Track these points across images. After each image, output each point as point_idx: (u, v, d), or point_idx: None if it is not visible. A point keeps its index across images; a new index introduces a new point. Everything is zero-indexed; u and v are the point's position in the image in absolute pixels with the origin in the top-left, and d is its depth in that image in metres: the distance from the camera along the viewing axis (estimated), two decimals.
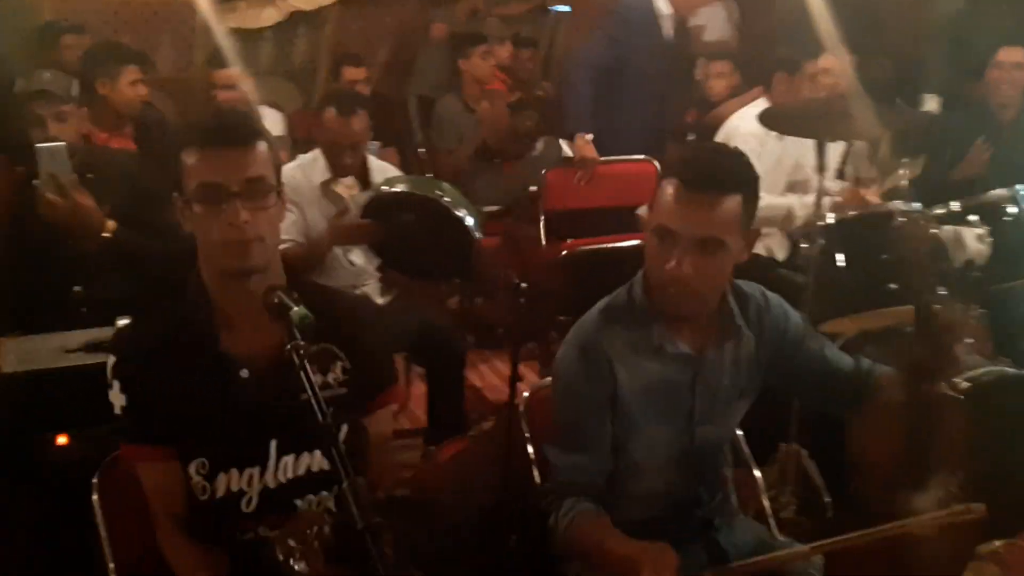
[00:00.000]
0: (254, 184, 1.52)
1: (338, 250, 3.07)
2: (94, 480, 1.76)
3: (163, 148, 3.35)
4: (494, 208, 4.11)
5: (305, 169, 3.07)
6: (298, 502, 1.64)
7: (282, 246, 3.01)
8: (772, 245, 3.63)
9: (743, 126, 3.36)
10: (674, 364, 1.77)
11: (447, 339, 3.17)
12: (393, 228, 2.79)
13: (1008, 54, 3.80)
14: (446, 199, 2.64)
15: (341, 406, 1.65)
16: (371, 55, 5.55)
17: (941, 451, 1.69)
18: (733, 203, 1.64)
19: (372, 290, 3.23)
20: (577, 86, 4.24)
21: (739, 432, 2.23)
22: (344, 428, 1.66)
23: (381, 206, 2.79)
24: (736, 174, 1.67)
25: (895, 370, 1.77)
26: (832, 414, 1.97)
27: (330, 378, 1.66)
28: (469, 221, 2.62)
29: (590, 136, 4.18)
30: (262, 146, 1.55)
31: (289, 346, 1.41)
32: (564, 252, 3.79)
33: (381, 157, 4.68)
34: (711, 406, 1.81)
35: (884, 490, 1.72)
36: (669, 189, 1.66)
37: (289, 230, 2.99)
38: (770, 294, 1.92)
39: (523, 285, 2.35)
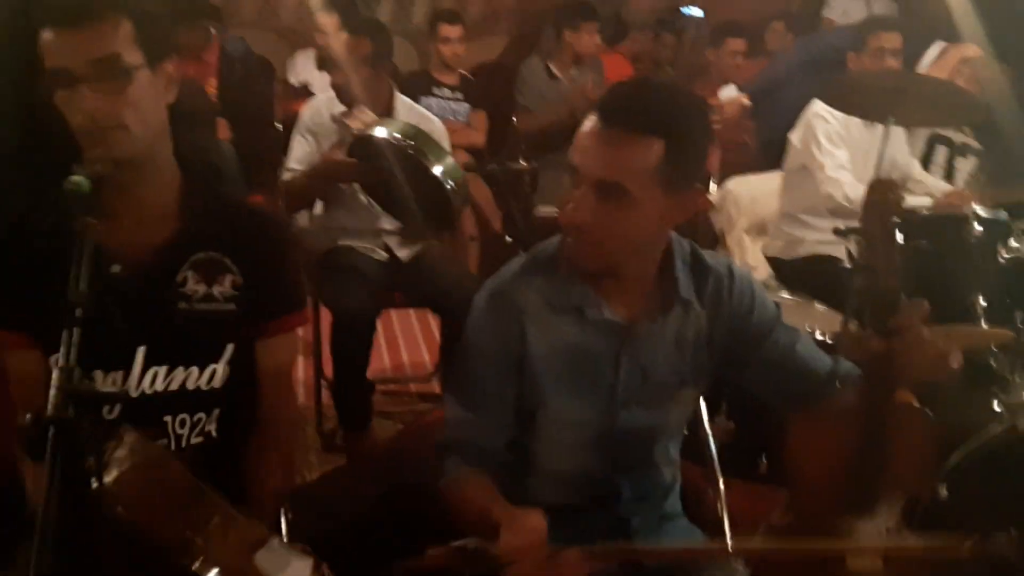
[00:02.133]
0: (104, 65, 1.38)
1: (356, 187, 2.99)
2: None
3: None
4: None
5: (331, 100, 3.05)
6: (168, 419, 1.55)
7: (286, 176, 3.06)
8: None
9: (822, 106, 2.99)
10: (596, 331, 1.54)
11: (464, 294, 2.94)
12: (369, 170, 2.68)
13: None
14: (423, 151, 2.49)
15: (228, 323, 1.57)
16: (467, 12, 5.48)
17: (893, 472, 1.40)
18: (648, 148, 1.39)
19: (394, 237, 3.11)
20: None
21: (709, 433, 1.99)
22: (230, 348, 1.58)
23: (363, 147, 2.69)
24: (662, 115, 1.41)
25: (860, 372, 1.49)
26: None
27: (216, 291, 1.56)
28: (438, 172, 2.46)
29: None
30: (118, 21, 1.39)
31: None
32: None
33: (470, 120, 4.65)
34: (640, 386, 1.57)
35: (822, 510, 1.45)
36: (587, 123, 1.45)
37: (301, 159, 2.99)
38: (741, 271, 1.65)
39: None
